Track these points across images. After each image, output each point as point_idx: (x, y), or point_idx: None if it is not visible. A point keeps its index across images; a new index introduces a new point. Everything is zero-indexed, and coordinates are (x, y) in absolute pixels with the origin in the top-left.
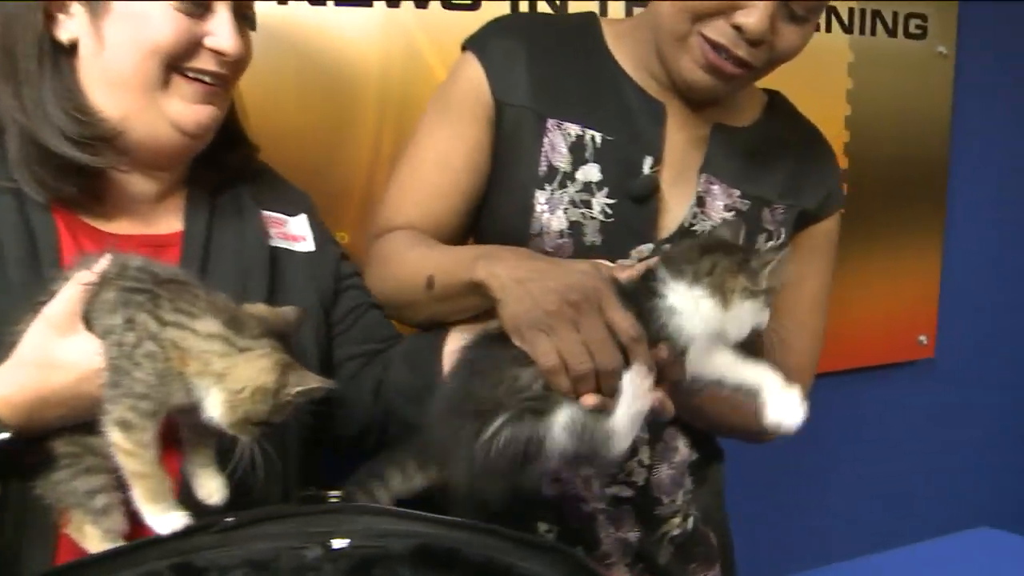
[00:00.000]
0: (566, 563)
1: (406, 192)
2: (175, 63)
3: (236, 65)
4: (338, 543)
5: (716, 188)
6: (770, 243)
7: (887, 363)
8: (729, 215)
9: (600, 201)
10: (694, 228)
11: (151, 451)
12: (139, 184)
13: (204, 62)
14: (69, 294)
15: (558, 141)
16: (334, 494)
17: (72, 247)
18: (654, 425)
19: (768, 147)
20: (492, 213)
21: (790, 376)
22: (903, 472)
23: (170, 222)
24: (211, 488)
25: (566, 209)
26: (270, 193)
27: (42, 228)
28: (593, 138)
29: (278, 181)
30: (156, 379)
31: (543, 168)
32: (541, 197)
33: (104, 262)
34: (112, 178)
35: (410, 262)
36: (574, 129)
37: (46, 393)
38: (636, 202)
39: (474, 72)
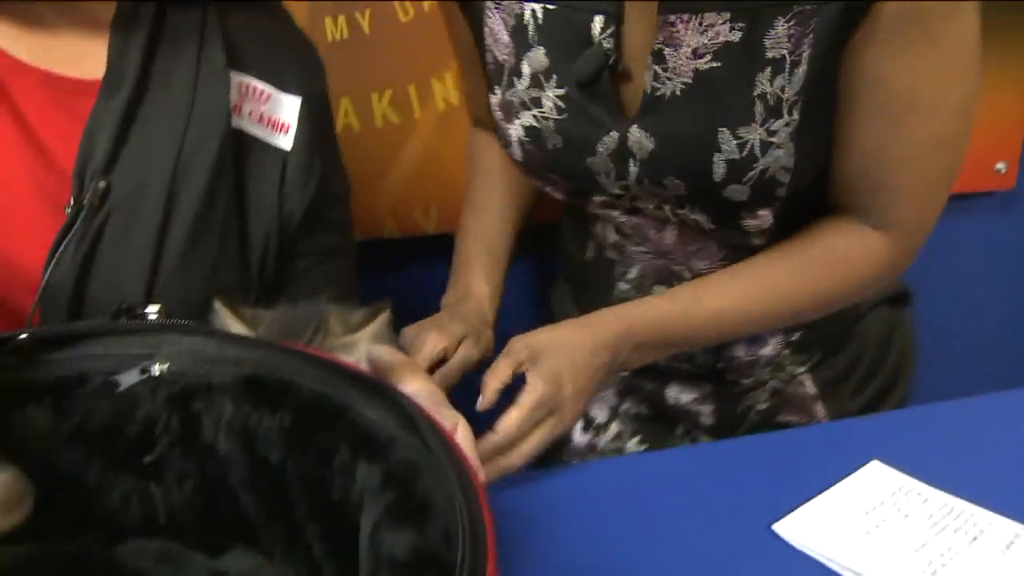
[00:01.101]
0: (399, 412)
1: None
2: None
3: None
4: (156, 368)
5: (680, 29)
6: (786, 84)
7: (956, 192)
8: (703, 62)
9: (551, 95)
10: (660, 94)
11: None
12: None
13: None
14: None
15: (498, 28)
16: (153, 310)
17: None
18: None
19: None
20: None
21: (891, 220)
22: (967, 320)
23: (95, 64)
24: None
25: (519, 114)
26: (261, 47)
27: None
28: (534, 12)
29: (280, 31)
30: None
31: (490, 66)
32: (494, 102)
33: None
34: None
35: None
36: (514, 7)
37: None
38: (584, 86)
39: None
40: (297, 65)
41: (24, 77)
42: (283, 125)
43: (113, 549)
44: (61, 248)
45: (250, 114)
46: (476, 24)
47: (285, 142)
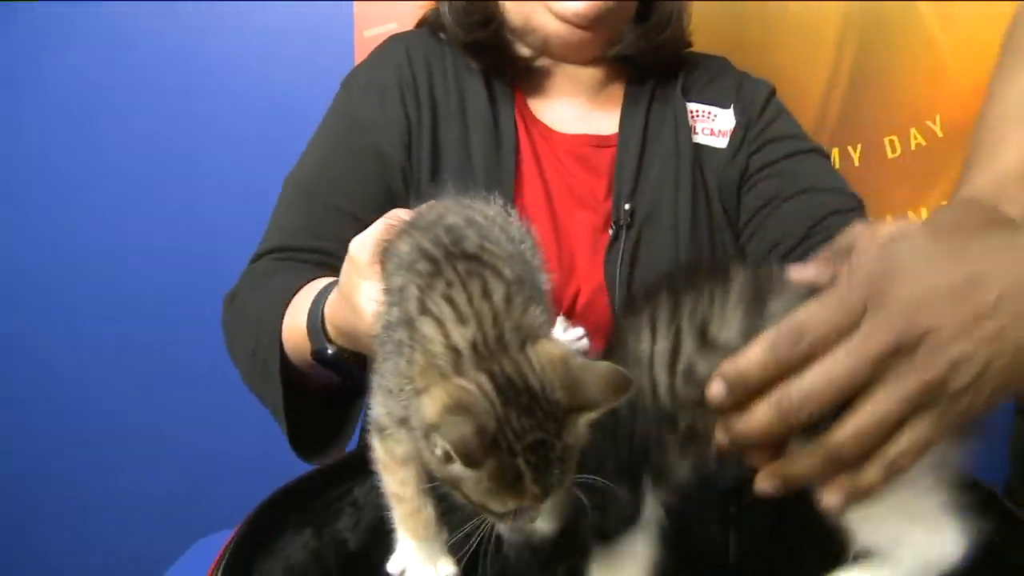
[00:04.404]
0: None
1: None
2: None
3: None
4: None
5: None
6: None
7: None
8: None
9: None
10: None
11: (406, 471)
12: (566, 78)
13: None
14: (374, 231)
15: None
16: None
17: (527, 144)
18: None
19: None
20: None
21: None
22: None
23: (610, 122)
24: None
25: None
26: (706, 83)
27: (505, 121)
28: None
29: (721, 71)
30: (395, 379)
31: None
32: None
33: (424, 206)
34: (544, 71)
35: None
36: None
37: (351, 331)
38: None
39: None
40: (731, 88)
41: (554, 140)
42: (724, 132)
43: None
44: (613, 254)
45: (702, 130)
46: None
47: (722, 143)
